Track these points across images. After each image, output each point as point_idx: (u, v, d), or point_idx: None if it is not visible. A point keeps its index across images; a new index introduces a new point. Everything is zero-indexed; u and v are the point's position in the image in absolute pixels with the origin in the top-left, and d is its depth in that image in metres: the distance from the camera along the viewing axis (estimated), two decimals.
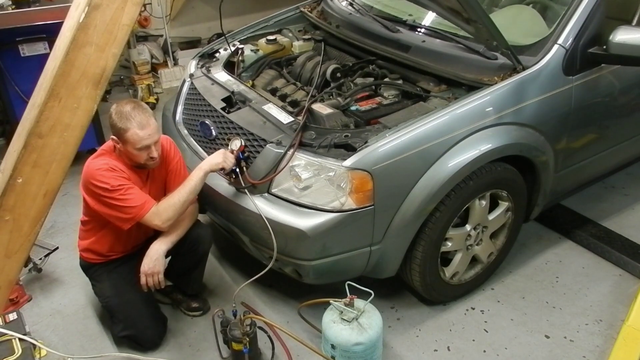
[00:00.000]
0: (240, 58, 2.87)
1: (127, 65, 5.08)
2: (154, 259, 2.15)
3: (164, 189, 2.33)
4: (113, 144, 2.15)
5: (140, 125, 2.03)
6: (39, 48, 3.41)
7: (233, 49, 2.92)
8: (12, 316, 1.94)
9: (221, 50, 2.99)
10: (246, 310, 2.13)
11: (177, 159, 2.35)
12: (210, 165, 2.16)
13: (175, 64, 5.19)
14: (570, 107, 2.32)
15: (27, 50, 3.40)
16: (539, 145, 2.29)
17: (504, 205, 2.40)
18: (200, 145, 2.51)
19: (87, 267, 2.37)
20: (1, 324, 1.90)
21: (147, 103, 4.58)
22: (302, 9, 3.22)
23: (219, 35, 4.25)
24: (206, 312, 2.48)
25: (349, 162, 1.98)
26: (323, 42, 2.91)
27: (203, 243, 2.35)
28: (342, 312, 2.06)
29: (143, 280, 2.16)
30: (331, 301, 2.09)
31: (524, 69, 2.20)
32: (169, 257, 2.34)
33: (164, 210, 2.11)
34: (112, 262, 2.33)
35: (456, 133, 2.08)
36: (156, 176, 2.30)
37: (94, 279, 2.36)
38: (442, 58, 2.37)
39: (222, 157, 2.16)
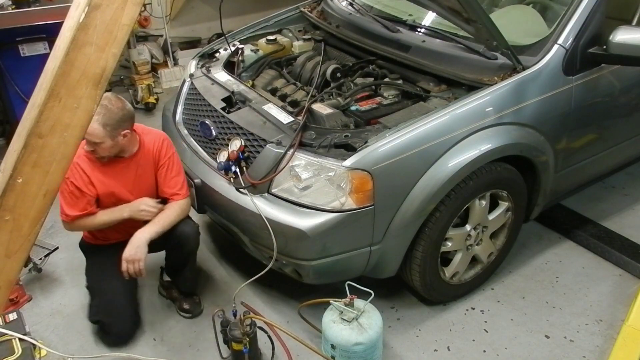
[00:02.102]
0: (240, 58, 2.87)
1: (127, 65, 5.07)
2: (136, 247, 2.14)
3: (154, 185, 2.33)
4: None
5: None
6: (39, 48, 3.41)
7: (233, 49, 2.92)
8: (12, 316, 1.94)
9: (221, 50, 2.99)
10: (246, 310, 2.13)
11: (169, 156, 2.32)
12: (131, 211, 2.21)
13: (175, 64, 5.19)
14: (570, 107, 2.32)
15: (27, 50, 3.40)
16: (539, 145, 2.29)
17: (504, 205, 2.40)
18: (200, 145, 2.51)
19: (85, 245, 2.45)
20: (1, 324, 1.90)
21: (147, 103, 4.59)
22: (302, 9, 3.22)
23: (219, 35, 4.25)
24: (196, 316, 2.47)
25: (349, 162, 1.98)
26: (323, 42, 2.91)
27: (187, 242, 2.34)
28: (342, 312, 2.06)
29: (124, 266, 2.15)
30: (331, 301, 2.09)
31: (524, 69, 2.20)
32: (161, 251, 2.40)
33: (78, 226, 2.25)
34: (108, 246, 2.36)
35: (456, 133, 2.08)
36: (141, 171, 2.29)
37: (87, 258, 2.43)
38: (442, 58, 2.37)
39: (143, 206, 2.21)
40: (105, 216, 2.23)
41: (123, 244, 2.31)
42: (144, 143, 2.30)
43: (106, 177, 2.23)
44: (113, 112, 2.08)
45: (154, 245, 2.23)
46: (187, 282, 2.50)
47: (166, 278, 2.57)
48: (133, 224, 2.29)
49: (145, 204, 2.22)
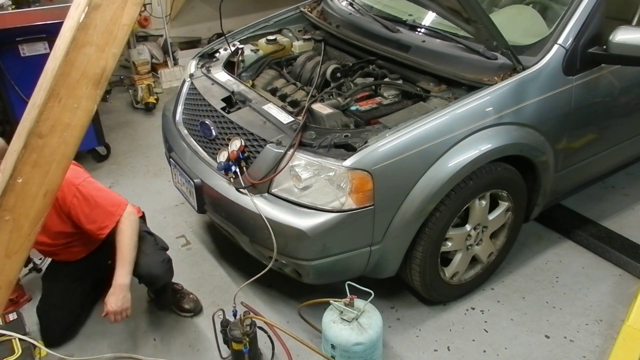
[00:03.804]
0: (240, 58, 2.87)
1: (127, 65, 5.08)
2: (122, 297, 2.06)
3: (58, 224, 2.15)
4: None
5: None
6: (39, 48, 3.41)
7: (233, 49, 2.92)
8: (12, 316, 1.94)
9: (221, 50, 2.99)
10: (246, 310, 2.13)
11: (72, 195, 2.08)
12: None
13: (175, 64, 5.19)
14: (570, 107, 2.32)
15: (27, 50, 3.40)
16: (539, 145, 2.29)
17: (504, 205, 2.40)
18: (200, 145, 2.51)
19: None
20: (1, 324, 1.90)
21: (147, 103, 4.58)
22: (302, 9, 3.22)
23: (219, 35, 4.25)
24: (197, 313, 2.47)
25: (349, 162, 1.98)
26: (323, 42, 2.91)
27: (158, 280, 2.27)
28: (342, 312, 2.06)
29: (112, 318, 2.06)
30: (331, 301, 2.09)
31: (524, 69, 2.20)
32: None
33: None
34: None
35: (456, 133, 2.08)
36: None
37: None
38: (442, 58, 2.37)
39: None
40: None
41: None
42: None
43: None
44: None
45: None
46: (165, 302, 2.50)
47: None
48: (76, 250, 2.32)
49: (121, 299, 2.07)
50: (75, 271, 2.39)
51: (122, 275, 2.10)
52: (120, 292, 2.07)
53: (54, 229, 2.16)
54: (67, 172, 1.56)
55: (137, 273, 2.20)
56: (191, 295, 2.52)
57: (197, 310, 2.48)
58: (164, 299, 2.47)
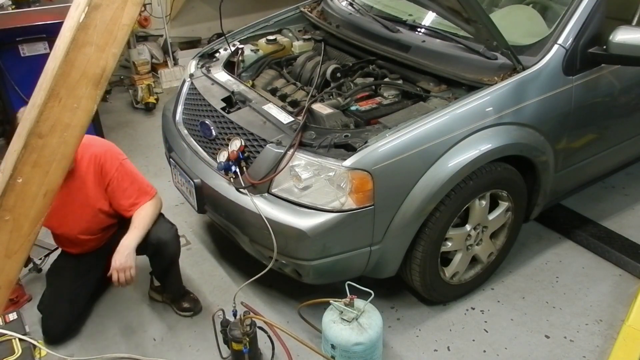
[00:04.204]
0: (240, 58, 2.87)
1: (127, 65, 5.08)
2: (125, 255, 2.12)
3: (92, 198, 2.25)
4: None
5: None
6: (39, 48, 3.41)
7: (233, 49, 2.92)
8: (12, 316, 1.94)
9: (221, 50, 2.99)
10: (246, 310, 2.13)
11: (115, 168, 2.23)
12: None
13: (175, 64, 5.19)
14: (570, 107, 2.32)
15: (27, 50, 3.40)
16: (539, 145, 2.29)
17: (504, 205, 2.40)
18: (200, 145, 2.51)
19: None
20: (1, 324, 1.90)
21: (147, 103, 4.59)
22: (302, 9, 3.22)
23: (219, 35, 4.25)
24: (197, 313, 2.47)
25: (349, 162, 1.98)
26: (323, 42, 2.91)
27: (167, 248, 2.31)
28: (342, 312, 2.06)
29: (115, 276, 2.11)
30: (331, 301, 2.09)
31: (524, 69, 2.20)
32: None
33: None
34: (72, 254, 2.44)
35: (456, 133, 2.08)
36: (71, 198, 2.20)
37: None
38: (442, 58, 2.37)
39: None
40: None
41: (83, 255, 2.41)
42: (84, 156, 2.20)
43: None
44: None
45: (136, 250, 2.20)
46: (173, 287, 2.49)
47: (156, 283, 2.54)
48: (85, 241, 2.37)
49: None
50: (81, 265, 2.41)
51: (131, 237, 2.17)
52: (125, 250, 2.12)
53: (92, 204, 2.25)
54: (66, 172, 1.56)
55: (146, 241, 2.23)
56: (191, 295, 2.52)
57: (196, 309, 2.48)
58: (170, 280, 2.44)
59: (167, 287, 2.50)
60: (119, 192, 2.25)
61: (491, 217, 2.38)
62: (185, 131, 2.64)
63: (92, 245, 2.41)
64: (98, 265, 2.44)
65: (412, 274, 2.29)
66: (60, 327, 2.34)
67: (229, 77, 2.66)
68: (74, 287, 2.38)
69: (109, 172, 2.23)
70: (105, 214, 2.34)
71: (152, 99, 4.61)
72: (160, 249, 2.30)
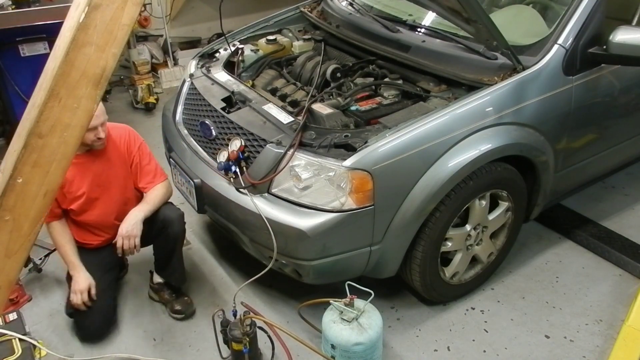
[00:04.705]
0: (240, 58, 2.87)
1: (127, 65, 5.08)
2: (132, 223, 2.22)
3: (121, 182, 2.38)
4: None
5: None
6: (39, 48, 3.42)
7: (233, 49, 2.92)
8: (12, 316, 1.94)
9: (221, 50, 2.99)
10: (246, 310, 2.13)
11: (137, 146, 2.39)
12: (73, 284, 2.27)
13: (175, 64, 5.19)
14: (570, 107, 2.32)
15: (27, 50, 3.41)
16: (539, 145, 2.29)
17: (504, 205, 2.40)
18: (200, 145, 2.51)
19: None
20: (1, 324, 1.90)
21: (147, 103, 4.59)
22: (302, 9, 3.22)
23: (219, 35, 4.25)
24: (189, 316, 2.46)
25: (349, 162, 1.98)
26: (323, 42, 2.91)
27: (172, 225, 2.37)
28: (342, 312, 2.06)
29: (119, 242, 2.21)
30: (331, 301, 2.09)
31: (524, 69, 2.20)
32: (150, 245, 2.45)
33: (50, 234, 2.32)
34: (91, 249, 2.43)
35: (456, 133, 2.08)
36: (109, 166, 2.33)
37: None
38: (442, 58, 2.37)
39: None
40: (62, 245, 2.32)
41: (102, 247, 2.44)
42: (111, 137, 2.34)
43: (78, 174, 2.26)
44: None
45: (142, 238, 2.27)
46: (176, 274, 2.49)
47: (156, 280, 2.53)
48: (105, 228, 2.40)
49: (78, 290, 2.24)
50: (104, 261, 2.43)
51: (139, 208, 2.30)
52: (133, 219, 2.24)
53: (125, 183, 2.38)
54: (66, 172, 1.56)
55: (153, 218, 2.33)
56: (185, 298, 2.50)
57: (187, 313, 2.46)
58: (174, 266, 2.45)
59: (170, 275, 2.48)
60: (140, 170, 2.40)
61: (491, 217, 2.38)
62: (185, 131, 2.64)
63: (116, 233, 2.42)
64: (115, 262, 2.51)
65: (412, 274, 2.29)
66: (100, 320, 2.35)
67: (229, 77, 2.66)
68: (104, 281, 2.37)
69: (133, 150, 2.39)
70: (134, 193, 2.45)
71: (152, 99, 4.61)
72: (165, 227, 2.35)
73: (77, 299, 2.23)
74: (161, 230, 2.36)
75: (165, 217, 2.36)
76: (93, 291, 2.26)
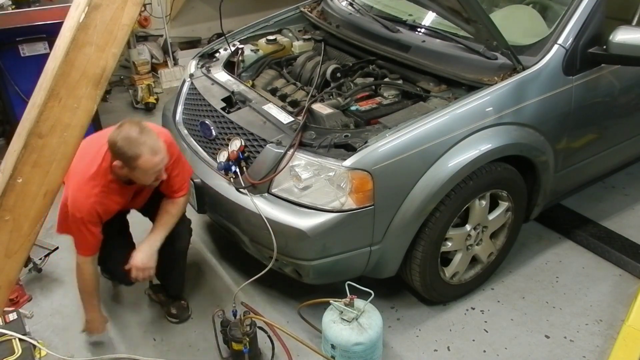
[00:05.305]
0: (240, 58, 2.87)
1: (127, 65, 5.08)
2: (148, 255, 2.13)
3: (150, 193, 2.27)
4: (109, 166, 2.02)
5: (153, 151, 1.93)
6: (39, 48, 3.41)
7: (233, 49, 2.92)
8: (12, 316, 1.94)
9: (221, 50, 2.99)
10: (246, 310, 2.13)
11: (175, 155, 2.20)
12: (89, 325, 2.28)
13: (175, 64, 5.19)
14: (570, 107, 2.32)
15: (27, 50, 3.40)
16: (539, 145, 2.29)
17: (504, 205, 2.40)
18: (200, 145, 2.51)
19: None
20: (1, 324, 1.90)
21: (147, 103, 4.58)
22: (302, 9, 3.22)
23: (219, 35, 4.25)
24: (184, 321, 2.44)
25: (349, 162, 1.98)
26: (323, 42, 2.91)
27: (179, 239, 2.31)
28: (342, 312, 2.06)
29: (134, 274, 2.13)
30: (331, 301, 2.09)
31: (524, 69, 2.20)
32: None
33: (80, 272, 2.20)
34: None
35: (456, 133, 2.08)
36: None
37: None
38: (442, 58, 2.37)
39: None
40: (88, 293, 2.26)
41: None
42: None
43: (117, 198, 2.13)
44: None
45: None
46: (175, 285, 2.47)
47: (155, 281, 2.51)
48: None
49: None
50: (122, 224, 2.42)
51: (155, 238, 2.17)
52: (148, 251, 2.13)
53: (141, 201, 2.29)
54: (66, 172, 1.56)
55: None
56: (182, 302, 2.49)
57: (182, 317, 2.44)
58: (174, 278, 2.42)
59: (170, 285, 2.47)
60: (171, 176, 2.21)
61: (491, 217, 2.38)
62: (185, 131, 2.64)
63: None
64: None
65: (412, 274, 2.29)
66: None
67: (229, 77, 2.66)
68: (121, 234, 2.37)
69: (173, 155, 2.19)
70: None
71: (152, 99, 4.61)
72: (173, 240, 2.25)
73: (141, 275, 2.15)
74: (167, 242, 2.24)
75: (175, 232, 2.25)
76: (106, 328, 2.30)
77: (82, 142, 1.51)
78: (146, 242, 2.16)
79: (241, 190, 2.18)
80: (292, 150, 2.07)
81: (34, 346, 1.84)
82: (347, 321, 2.03)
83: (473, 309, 2.48)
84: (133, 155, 1.91)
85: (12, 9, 3.24)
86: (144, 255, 2.12)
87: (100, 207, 2.05)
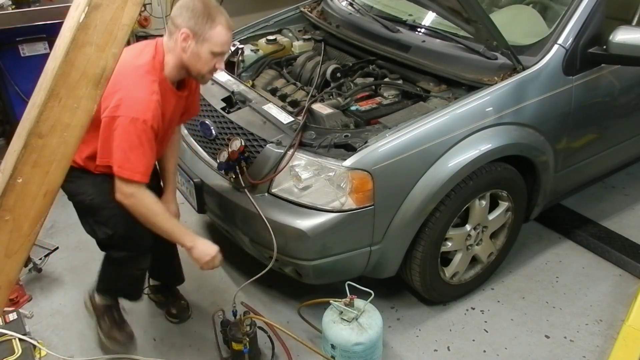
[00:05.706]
0: (240, 58, 2.87)
1: None
2: (207, 247, 1.96)
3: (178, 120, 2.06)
4: (162, 61, 1.76)
5: (229, 25, 1.74)
6: (39, 48, 3.41)
7: (233, 49, 2.92)
8: (12, 316, 1.94)
9: None
10: (246, 310, 2.13)
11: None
12: (198, 254, 1.93)
13: None
14: (570, 107, 2.32)
15: (27, 50, 3.41)
16: (539, 145, 2.29)
17: (504, 205, 2.40)
18: (200, 145, 2.51)
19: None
20: (1, 324, 1.90)
21: None
22: (302, 9, 3.22)
23: None
24: (184, 321, 2.44)
25: (349, 162, 1.98)
26: (323, 42, 2.91)
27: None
28: (342, 312, 2.06)
29: (208, 266, 1.98)
30: (331, 301, 2.09)
31: (524, 69, 2.20)
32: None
33: (140, 205, 1.81)
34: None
35: (456, 133, 2.08)
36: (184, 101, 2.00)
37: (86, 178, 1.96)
38: (442, 58, 2.37)
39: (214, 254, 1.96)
40: (166, 223, 1.88)
41: None
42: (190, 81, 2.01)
43: (171, 100, 1.87)
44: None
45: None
46: (178, 273, 2.42)
47: (152, 282, 2.49)
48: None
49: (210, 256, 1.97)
50: None
51: (194, 238, 1.96)
52: (198, 239, 1.94)
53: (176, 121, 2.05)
54: (66, 171, 1.56)
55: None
56: (182, 302, 2.48)
57: (183, 317, 2.44)
58: (174, 267, 2.37)
59: (171, 277, 2.43)
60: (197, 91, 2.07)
61: (491, 217, 2.38)
62: (185, 131, 2.64)
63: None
64: None
65: (412, 274, 2.29)
66: (149, 237, 2.00)
67: (229, 77, 2.66)
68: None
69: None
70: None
71: None
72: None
73: (212, 265, 1.96)
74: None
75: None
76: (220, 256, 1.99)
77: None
78: (197, 246, 1.93)
79: (241, 190, 2.18)
80: (292, 150, 2.07)
81: (34, 346, 1.84)
82: (347, 321, 2.03)
83: (473, 309, 2.48)
84: (211, 19, 1.71)
85: (12, 9, 3.24)
86: (202, 247, 1.92)
87: (160, 108, 1.76)
